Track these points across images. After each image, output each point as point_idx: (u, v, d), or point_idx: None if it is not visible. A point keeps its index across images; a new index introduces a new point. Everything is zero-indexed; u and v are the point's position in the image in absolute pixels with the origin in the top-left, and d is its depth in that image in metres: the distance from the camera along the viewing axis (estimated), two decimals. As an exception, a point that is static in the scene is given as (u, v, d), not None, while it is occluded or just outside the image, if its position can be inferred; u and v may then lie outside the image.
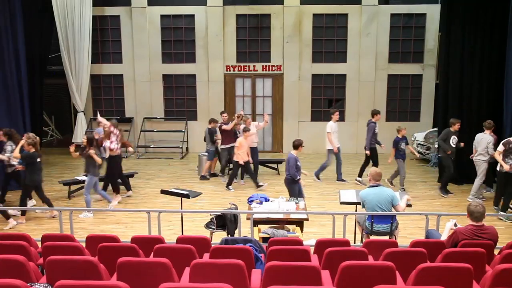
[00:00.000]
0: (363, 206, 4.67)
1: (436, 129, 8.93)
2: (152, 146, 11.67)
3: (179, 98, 12.10)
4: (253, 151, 8.24)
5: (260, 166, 9.25)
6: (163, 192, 5.54)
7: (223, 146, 8.19)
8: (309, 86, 11.62)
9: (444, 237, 3.94)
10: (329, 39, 11.52)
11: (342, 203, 5.19)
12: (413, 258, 3.34)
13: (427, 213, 4.65)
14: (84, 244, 3.92)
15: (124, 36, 11.70)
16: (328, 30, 11.53)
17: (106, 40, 11.75)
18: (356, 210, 5.16)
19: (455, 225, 3.95)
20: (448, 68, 8.25)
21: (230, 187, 7.96)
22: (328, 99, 11.93)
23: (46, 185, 7.93)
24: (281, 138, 11.99)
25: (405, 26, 11.38)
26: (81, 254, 3.48)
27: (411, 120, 11.61)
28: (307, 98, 11.66)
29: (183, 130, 11.67)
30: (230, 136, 8.14)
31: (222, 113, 8.36)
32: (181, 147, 11.28)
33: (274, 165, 9.34)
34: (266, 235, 4.58)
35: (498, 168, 6.44)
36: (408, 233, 5.63)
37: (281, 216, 4.95)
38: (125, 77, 11.86)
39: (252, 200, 5.44)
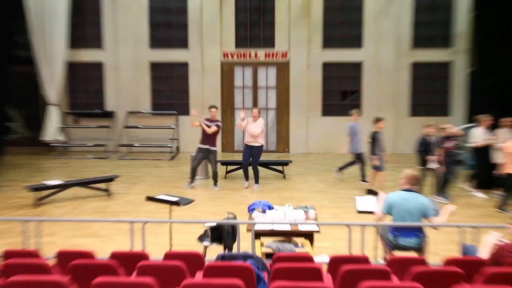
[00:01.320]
0: (388, 212, 4.55)
1: (471, 125, 8.81)
2: (136, 145, 11.61)
3: (169, 90, 12.06)
4: (252, 150, 8.15)
5: (263, 168, 9.20)
6: (149, 199, 5.45)
7: (198, 145, 8.11)
8: (319, 76, 11.56)
9: (484, 254, 3.81)
10: (343, 21, 11.44)
11: (359, 212, 5.07)
12: (447, 279, 3.21)
13: (463, 225, 4.52)
14: (54, 261, 3.81)
15: (105, 18, 11.64)
16: (341, 11, 11.45)
17: (84, 21, 11.69)
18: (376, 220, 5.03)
19: (499, 240, 3.81)
20: (483, 54, 8.11)
21: (217, 187, 8.09)
22: (341, 90, 11.87)
23: (8, 191, 7.84)
24: (287, 136, 11.93)
25: (431, 5, 11.29)
26: (49, 273, 3.37)
27: (439, 114, 11.52)
28: (317, 90, 11.59)
29: (173, 127, 11.62)
30: (207, 136, 8.01)
31: (210, 107, 8.22)
32: (171, 146, 11.24)
33: (280, 167, 9.26)
34: (270, 250, 4.49)
35: None
36: (440, 249, 5.51)
37: (287, 227, 4.85)
38: (106, 65, 11.81)
39: (254, 209, 5.34)
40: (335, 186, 8.54)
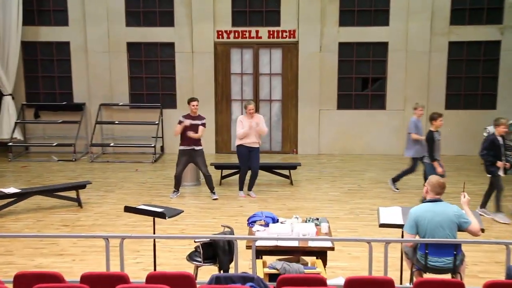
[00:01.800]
0: (413, 230, 4.62)
1: None
2: (112, 144, 11.72)
3: (151, 77, 12.11)
4: (252, 153, 8.24)
5: (266, 173, 9.28)
6: (128, 210, 5.54)
7: (181, 148, 8.22)
8: (335, 59, 11.61)
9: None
10: (364, -9, 11.51)
11: (382, 225, 5.16)
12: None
13: (507, 242, 4.59)
14: (11, 287, 3.91)
15: (71, -12, 11.74)
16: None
17: (45, -7, 11.80)
18: (402, 236, 5.13)
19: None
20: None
21: (214, 194, 8.22)
22: (362, 78, 11.93)
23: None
24: (295, 133, 11.99)
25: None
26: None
27: (483, 107, 11.58)
28: (331, 77, 11.66)
29: (157, 122, 11.70)
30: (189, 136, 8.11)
31: (190, 100, 8.28)
32: (154, 146, 11.31)
33: (286, 172, 9.34)
34: (274, 271, 4.56)
35: None
36: (480, 270, 5.59)
37: (295, 243, 4.94)
38: (72, 46, 11.87)
39: (254, 221, 5.43)
40: (353, 194, 8.59)
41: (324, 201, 8.19)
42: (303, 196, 8.49)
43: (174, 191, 8.43)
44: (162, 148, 11.88)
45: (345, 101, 11.80)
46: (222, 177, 9.20)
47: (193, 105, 8.13)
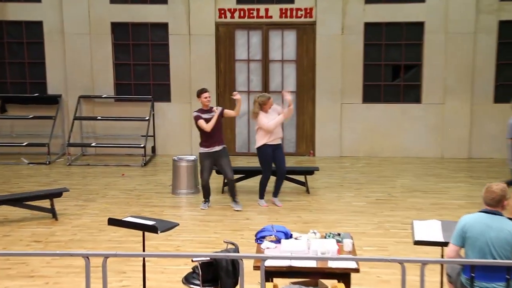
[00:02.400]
0: (459, 241, 4.57)
1: None
2: (94, 144, 11.76)
3: (140, 64, 12.14)
4: (277, 152, 8.27)
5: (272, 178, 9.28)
6: (113, 222, 5.54)
7: (203, 150, 8.22)
8: (360, 43, 11.61)
9: None
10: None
11: (417, 243, 5.13)
12: None
13: None
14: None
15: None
16: None
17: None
18: (442, 256, 5.08)
19: None
20: None
21: (237, 205, 8.28)
22: (392, 65, 11.89)
23: None
24: (312, 132, 12.00)
25: None
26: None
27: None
28: (356, 64, 11.65)
29: (147, 118, 11.74)
30: (215, 133, 8.09)
31: (201, 92, 8.28)
32: (144, 147, 11.34)
33: (301, 177, 9.34)
34: (288, 297, 4.56)
35: None
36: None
37: (312, 264, 4.92)
38: (46, 26, 11.93)
39: (264, 237, 5.41)
40: (382, 205, 8.57)
41: (347, 213, 8.18)
42: (321, 207, 8.48)
43: (205, 201, 8.42)
44: (153, 149, 11.91)
45: (372, 93, 11.77)
46: (225, 184, 9.17)
47: (205, 97, 8.13)
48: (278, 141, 8.30)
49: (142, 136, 11.56)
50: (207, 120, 8.03)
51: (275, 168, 8.39)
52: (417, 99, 11.64)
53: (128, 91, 12.02)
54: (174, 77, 11.83)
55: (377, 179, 10.04)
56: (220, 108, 8.29)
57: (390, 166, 10.97)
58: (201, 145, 8.23)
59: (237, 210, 8.19)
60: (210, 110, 8.17)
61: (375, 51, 11.64)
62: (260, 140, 8.23)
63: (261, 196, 8.51)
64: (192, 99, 11.04)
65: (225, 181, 9.12)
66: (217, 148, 8.15)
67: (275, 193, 8.50)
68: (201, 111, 8.16)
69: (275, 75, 11.86)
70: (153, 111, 11.78)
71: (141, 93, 11.96)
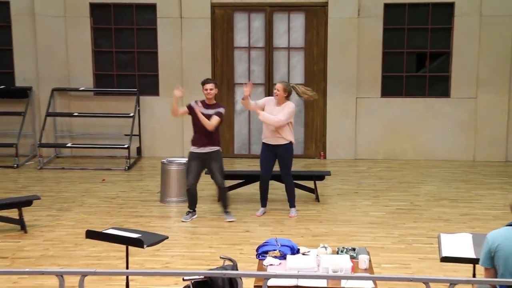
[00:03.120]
0: (488, 263, 4.63)
1: None
2: (69, 145, 11.80)
3: (124, 52, 12.18)
4: (282, 151, 8.35)
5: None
6: (91, 235, 5.59)
7: (191, 149, 8.26)
8: (378, 28, 11.62)
9: None
10: None
11: (445, 260, 5.16)
12: None
13: None
14: None
15: None
16: None
17: None
18: (474, 275, 5.12)
19: None
20: None
21: (229, 215, 8.30)
22: (416, 53, 11.95)
23: None
24: (323, 130, 12.04)
25: None
26: None
27: None
28: (374, 52, 11.67)
29: (132, 114, 11.78)
30: (210, 132, 8.13)
31: (205, 83, 8.28)
32: (128, 147, 11.36)
33: (310, 183, 9.42)
34: (294, 321, 4.58)
35: None
36: None
37: (323, 283, 4.93)
38: (14, 7, 11.90)
39: (266, 252, 5.47)
40: (403, 215, 8.59)
41: (363, 224, 8.20)
42: (333, 217, 8.51)
43: (189, 212, 8.41)
44: (139, 150, 11.96)
45: (392, 86, 11.81)
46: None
47: (206, 89, 8.11)
48: (277, 141, 8.29)
49: (126, 135, 11.59)
50: (205, 117, 8.02)
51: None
52: (445, 93, 11.68)
53: (109, 83, 12.06)
54: (163, 67, 11.86)
55: (398, 185, 10.09)
56: (220, 109, 8.18)
57: (413, 171, 11.01)
58: (191, 142, 8.27)
59: (229, 221, 8.24)
60: (213, 106, 8.16)
61: (397, 37, 11.66)
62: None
63: (263, 203, 8.60)
64: (184, 92, 11.09)
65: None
66: (208, 150, 8.15)
67: (291, 203, 8.59)
68: (203, 103, 8.20)
69: (280, 65, 11.89)
70: (139, 106, 11.81)
71: (125, 85, 12.00)
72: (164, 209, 8.92)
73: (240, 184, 9.28)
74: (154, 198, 9.35)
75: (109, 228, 5.72)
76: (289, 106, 8.29)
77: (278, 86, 8.22)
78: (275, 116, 8.16)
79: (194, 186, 8.29)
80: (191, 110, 8.14)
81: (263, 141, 8.36)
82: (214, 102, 8.19)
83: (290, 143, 8.31)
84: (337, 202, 9.19)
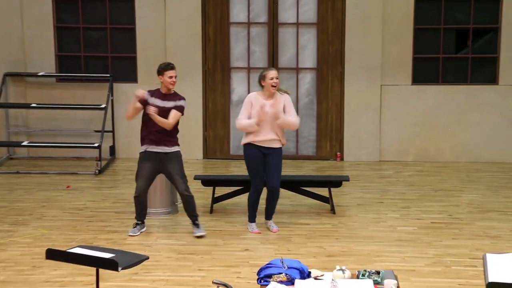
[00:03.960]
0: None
1: None
2: (26, 143, 11.74)
3: (94, 28, 12.21)
4: (270, 159, 8.25)
5: (290, 194, 9.33)
6: (53, 255, 5.53)
7: (148, 148, 8.19)
8: (409, 1, 11.61)
9: None
10: None
11: (491, 286, 5.11)
12: None
13: None
14: None
15: None
16: None
17: None
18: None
19: None
20: None
21: (199, 229, 8.30)
22: (456, 30, 11.90)
23: None
24: (339, 125, 12.06)
25: None
26: None
27: None
28: (403, 29, 11.70)
29: (104, 106, 11.77)
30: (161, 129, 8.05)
31: (168, 68, 8.04)
32: (99, 146, 11.35)
33: (323, 191, 9.36)
34: None
35: None
36: None
37: (340, 315, 4.90)
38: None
39: (270, 275, 5.41)
40: (440, 230, 8.58)
41: (390, 241, 8.16)
42: (352, 233, 8.48)
43: (137, 224, 8.44)
44: (112, 149, 11.98)
45: (426, 71, 11.83)
46: (215, 200, 9.20)
47: (171, 76, 8.03)
48: (273, 144, 8.21)
49: (96, 131, 11.60)
50: (162, 110, 7.96)
51: (266, 181, 8.37)
52: (492, 79, 11.71)
53: (75, 67, 12.08)
54: (142, 48, 11.87)
55: (433, 193, 10.07)
56: (180, 102, 8.13)
57: (451, 175, 11.01)
58: (144, 140, 8.22)
59: (198, 237, 8.21)
60: (172, 97, 8.11)
61: (432, 10, 11.70)
62: (244, 136, 8.27)
63: (252, 219, 8.51)
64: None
65: (215, 196, 9.13)
66: (167, 150, 8.13)
67: (268, 214, 8.53)
68: (157, 93, 8.09)
69: (287, 45, 11.88)
70: (112, 95, 11.82)
71: (95, 70, 12.02)
72: (146, 224, 8.81)
73: (236, 191, 9.21)
74: (131, 209, 9.27)
75: (75, 247, 5.68)
76: (288, 98, 8.30)
77: (276, 73, 8.11)
78: (294, 117, 8.24)
79: (144, 192, 8.32)
80: (144, 104, 8.02)
81: (257, 143, 8.19)
82: (173, 92, 8.11)
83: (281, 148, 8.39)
84: (357, 214, 9.17)
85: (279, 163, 8.32)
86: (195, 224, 8.31)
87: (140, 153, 8.29)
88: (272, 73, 8.05)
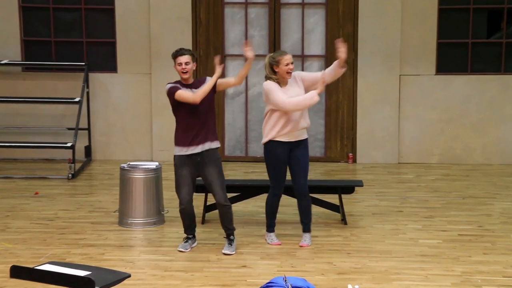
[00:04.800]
0: None
1: None
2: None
3: (66, 9, 12.26)
4: (298, 154, 8.35)
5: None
6: (19, 273, 5.58)
7: (179, 151, 8.21)
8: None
9: None
10: None
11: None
12: None
13: None
14: None
15: None
16: None
17: None
18: None
19: None
20: None
21: (231, 246, 8.27)
22: (488, 10, 11.94)
23: None
24: (351, 122, 12.13)
25: None
26: None
27: None
28: (426, 10, 11.75)
29: (78, 99, 11.79)
30: (202, 120, 8.09)
31: (178, 55, 8.12)
32: (72, 147, 11.34)
33: (333, 198, 9.41)
34: None
35: None
36: None
37: None
38: None
39: (272, 297, 5.47)
40: (469, 244, 8.57)
41: (410, 257, 8.16)
42: (367, 247, 8.49)
43: (187, 238, 8.45)
44: (87, 150, 12.02)
45: (452, 58, 11.88)
46: (207, 208, 9.26)
47: (180, 63, 8.00)
48: (302, 136, 8.31)
49: (70, 129, 11.64)
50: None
51: (294, 182, 8.42)
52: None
53: (45, 55, 12.13)
54: (122, 32, 11.93)
55: (461, 201, 10.09)
56: (208, 78, 8.17)
57: (482, 180, 11.03)
58: (177, 142, 8.23)
59: (227, 254, 8.24)
60: (194, 85, 8.14)
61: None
62: (271, 131, 8.20)
63: (270, 228, 8.57)
64: (153, 67, 11.10)
65: (207, 204, 9.20)
66: (201, 149, 8.12)
67: (306, 226, 8.51)
68: (180, 84, 8.12)
69: (290, 28, 11.93)
70: (88, 87, 11.85)
71: (68, 57, 12.07)
72: (124, 235, 8.92)
73: (233, 199, 9.23)
74: (110, 219, 9.36)
75: (44, 263, 5.73)
76: (297, 73, 8.42)
77: (291, 58, 8.14)
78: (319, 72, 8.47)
79: (190, 203, 8.31)
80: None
81: (284, 139, 8.24)
82: (192, 80, 8.16)
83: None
84: (372, 225, 9.20)
85: (307, 157, 8.38)
86: (229, 239, 8.31)
87: (175, 157, 8.26)
88: (287, 57, 8.07)
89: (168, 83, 8.14)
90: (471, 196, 10.28)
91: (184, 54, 8.07)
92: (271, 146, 8.22)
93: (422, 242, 8.60)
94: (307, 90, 8.15)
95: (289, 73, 8.08)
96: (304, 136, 8.29)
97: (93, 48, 12.05)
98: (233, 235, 8.34)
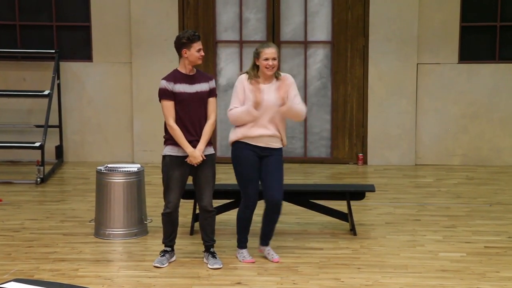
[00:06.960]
0: None
1: None
2: None
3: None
4: (268, 163, 8.36)
5: (297, 208, 9.47)
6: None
7: (169, 151, 8.27)
8: None
9: None
10: None
11: None
12: None
13: None
14: None
15: None
16: None
17: None
18: None
19: None
20: None
21: (215, 259, 8.31)
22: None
23: None
24: (361, 118, 12.21)
25: None
26: None
27: None
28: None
29: (48, 92, 11.84)
30: (194, 120, 8.19)
31: (192, 40, 8.13)
32: (41, 146, 11.42)
33: (341, 205, 9.45)
34: None
35: None
36: None
37: None
38: None
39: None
40: (497, 257, 8.61)
41: (429, 272, 8.21)
42: (379, 261, 8.55)
43: (165, 251, 8.49)
44: (58, 150, 12.08)
45: (477, 45, 11.95)
46: (196, 217, 9.26)
47: (198, 49, 8.06)
48: (272, 143, 8.31)
49: (38, 127, 11.71)
50: (182, 95, 8.08)
51: (263, 193, 8.43)
52: None
53: (9, 41, 12.23)
54: (98, 14, 11.98)
55: (487, 208, 10.14)
56: (211, 83, 8.32)
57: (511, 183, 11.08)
58: (166, 142, 8.32)
59: (214, 268, 8.29)
60: (200, 77, 8.24)
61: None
62: (233, 132, 8.36)
63: (241, 243, 8.58)
64: (134, 55, 11.12)
65: (196, 212, 9.25)
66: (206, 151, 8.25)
67: (265, 238, 8.57)
68: (179, 77, 8.20)
69: (291, 10, 11.98)
70: (59, 79, 11.89)
71: (36, 44, 12.17)
72: (101, 248, 8.97)
73: (225, 206, 9.37)
74: (85, 229, 9.40)
75: (9, 281, 5.75)
76: (291, 80, 8.36)
77: (274, 52, 8.11)
78: (300, 104, 8.33)
79: (177, 209, 8.40)
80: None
81: (251, 142, 8.28)
82: (195, 71, 8.23)
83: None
84: (385, 236, 9.26)
85: (280, 168, 8.36)
86: (211, 253, 8.38)
87: (163, 157, 8.38)
88: (269, 51, 8.03)
89: (163, 78, 8.20)
90: (499, 202, 10.34)
91: (198, 40, 8.11)
92: (239, 146, 8.31)
93: (443, 255, 8.66)
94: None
95: (267, 68, 8.05)
96: (276, 145, 8.29)
97: (65, 33, 12.08)
98: (213, 247, 8.43)
